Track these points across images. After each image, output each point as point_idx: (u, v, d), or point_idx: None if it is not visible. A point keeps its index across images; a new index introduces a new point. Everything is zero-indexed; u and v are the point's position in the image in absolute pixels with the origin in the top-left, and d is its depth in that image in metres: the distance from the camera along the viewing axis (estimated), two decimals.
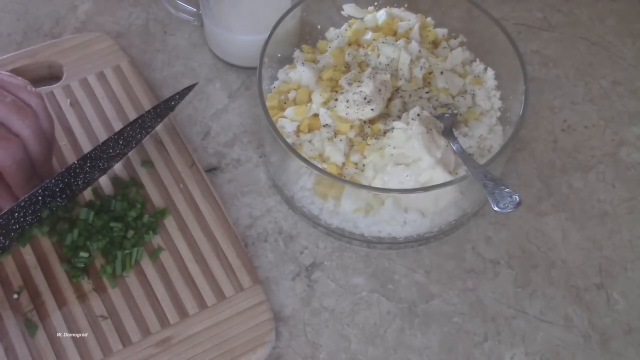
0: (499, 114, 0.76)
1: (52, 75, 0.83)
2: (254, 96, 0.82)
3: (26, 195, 0.66)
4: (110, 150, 0.71)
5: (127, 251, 0.69)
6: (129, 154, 0.76)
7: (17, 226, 0.68)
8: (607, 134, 0.81)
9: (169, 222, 0.72)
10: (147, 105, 0.79)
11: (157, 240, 0.71)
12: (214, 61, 0.86)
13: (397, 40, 0.77)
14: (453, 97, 0.75)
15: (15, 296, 0.67)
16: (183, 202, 0.73)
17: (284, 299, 0.70)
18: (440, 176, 0.67)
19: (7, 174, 0.67)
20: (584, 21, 0.90)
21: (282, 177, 0.73)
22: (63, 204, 0.71)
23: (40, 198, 0.67)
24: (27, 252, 0.70)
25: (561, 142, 0.80)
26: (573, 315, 0.69)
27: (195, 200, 0.73)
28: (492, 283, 0.71)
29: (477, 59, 0.79)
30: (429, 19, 0.81)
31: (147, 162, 0.76)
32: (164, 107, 0.75)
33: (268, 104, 0.73)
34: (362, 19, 0.81)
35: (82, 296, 0.68)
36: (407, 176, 0.67)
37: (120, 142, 0.72)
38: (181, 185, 0.74)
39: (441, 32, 0.80)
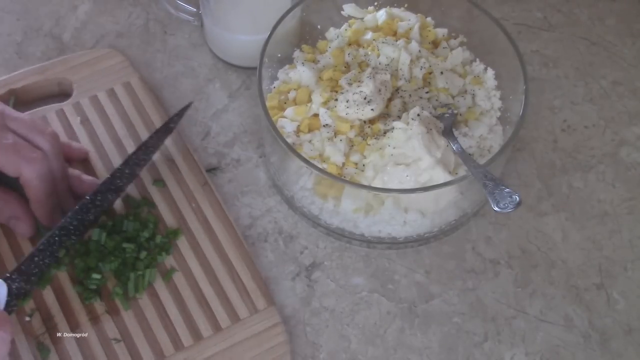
0: (499, 114, 0.76)
1: (62, 92, 0.81)
2: (254, 96, 0.82)
3: (44, 239, 0.65)
4: (118, 181, 0.70)
5: (139, 272, 0.68)
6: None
7: (37, 270, 0.66)
8: (607, 134, 0.81)
9: (182, 243, 0.70)
10: (157, 121, 0.78)
11: (169, 261, 0.69)
12: (214, 61, 0.86)
13: (397, 40, 0.77)
14: (453, 97, 0.75)
15: (28, 318, 0.66)
16: (196, 222, 0.72)
17: (284, 299, 0.70)
18: (440, 176, 0.67)
19: (30, 189, 0.66)
20: (584, 21, 0.90)
21: (282, 177, 0.73)
22: (76, 241, 0.69)
23: (57, 238, 0.66)
24: None
25: (561, 142, 0.80)
26: (573, 315, 0.69)
27: (208, 220, 0.72)
28: (492, 283, 0.71)
29: (477, 59, 0.79)
30: (429, 19, 0.81)
31: (159, 181, 0.74)
32: (165, 130, 0.74)
33: (268, 104, 0.73)
34: (362, 19, 0.81)
35: (94, 318, 0.66)
36: (407, 176, 0.67)
37: (127, 171, 0.71)
38: (193, 205, 0.73)
39: (441, 32, 0.80)
